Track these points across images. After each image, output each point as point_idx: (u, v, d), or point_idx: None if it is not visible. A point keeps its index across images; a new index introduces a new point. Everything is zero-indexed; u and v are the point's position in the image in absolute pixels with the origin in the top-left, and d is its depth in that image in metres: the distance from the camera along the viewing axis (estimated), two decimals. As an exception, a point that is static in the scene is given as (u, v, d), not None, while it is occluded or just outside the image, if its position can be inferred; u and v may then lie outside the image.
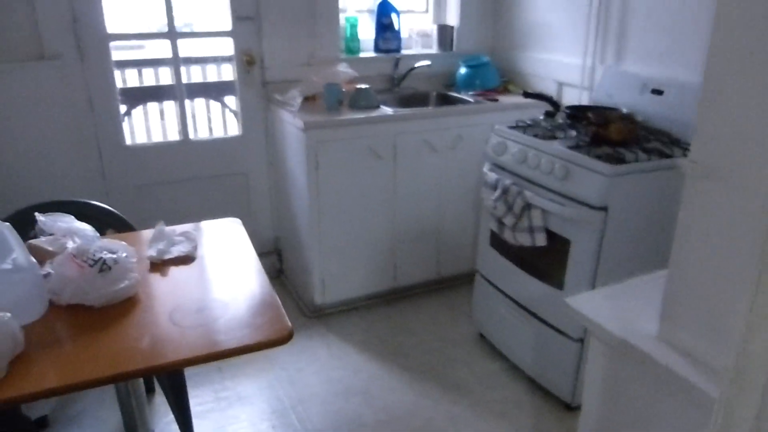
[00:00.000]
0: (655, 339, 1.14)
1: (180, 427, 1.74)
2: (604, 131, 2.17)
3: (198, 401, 2.28)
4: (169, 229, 1.72)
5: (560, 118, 2.52)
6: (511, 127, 2.43)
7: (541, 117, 2.53)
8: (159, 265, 1.56)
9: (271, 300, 1.39)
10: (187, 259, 1.60)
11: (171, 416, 2.08)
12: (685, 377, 1.02)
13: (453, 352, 2.64)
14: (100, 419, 2.15)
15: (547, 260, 2.26)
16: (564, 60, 2.96)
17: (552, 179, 2.14)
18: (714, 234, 1.00)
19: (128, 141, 2.79)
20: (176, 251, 1.62)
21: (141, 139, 2.89)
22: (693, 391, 1.00)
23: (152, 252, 1.59)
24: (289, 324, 1.28)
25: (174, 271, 1.55)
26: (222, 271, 1.57)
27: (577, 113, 2.46)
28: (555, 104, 2.61)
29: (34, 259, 1.32)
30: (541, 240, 2.20)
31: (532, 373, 2.41)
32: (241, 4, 2.77)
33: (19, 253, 1.27)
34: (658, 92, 2.39)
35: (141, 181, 2.80)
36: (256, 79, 2.90)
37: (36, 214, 1.54)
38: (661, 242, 2.19)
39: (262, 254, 3.15)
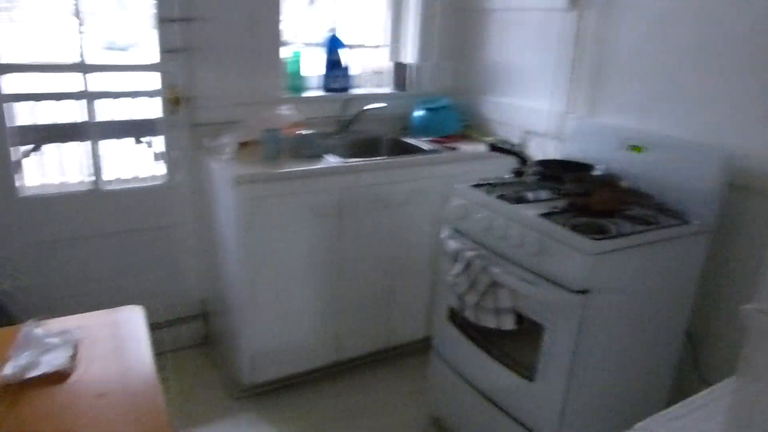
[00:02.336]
0: None
1: None
2: (585, 200, 1.88)
3: None
4: (40, 331, 1.32)
5: (529, 175, 2.24)
6: (474, 186, 2.13)
7: (508, 176, 2.24)
8: (16, 389, 1.17)
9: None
10: (59, 377, 1.21)
11: None
12: None
13: (404, 441, 2.29)
14: None
15: (515, 345, 1.95)
16: (532, 106, 2.69)
17: (523, 253, 1.83)
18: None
19: (24, 190, 2.34)
20: (46, 365, 1.22)
21: (40, 187, 2.44)
22: None
23: (9, 370, 1.18)
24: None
25: (37, 398, 1.15)
26: (106, 401, 1.18)
27: (550, 170, 2.19)
28: (524, 160, 2.32)
29: None
30: (508, 323, 1.88)
31: (497, 474, 2.07)
32: (169, 33, 2.40)
33: None
34: (637, 149, 2.13)
35: (40, 238, 2.36)
36: (185, 120, 2.51)
37: None
38: (648, 325, 1.92)
39: (185, 319, 2.78)
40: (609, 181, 2.01)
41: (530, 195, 2.03)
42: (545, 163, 2.28)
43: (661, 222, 1.86)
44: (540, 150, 2.66)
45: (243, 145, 2.43)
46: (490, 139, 2.83)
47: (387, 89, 3.10)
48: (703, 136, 2.03)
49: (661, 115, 2.17)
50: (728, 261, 2.01)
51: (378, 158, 2.48)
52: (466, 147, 2.74)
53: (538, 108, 2.65)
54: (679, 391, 2.15)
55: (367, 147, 2.84)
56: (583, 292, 1.70)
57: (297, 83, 2.80)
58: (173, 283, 2.67)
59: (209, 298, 2.76)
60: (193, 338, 2.78)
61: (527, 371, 1.89)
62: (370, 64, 3.13)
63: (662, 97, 2.16)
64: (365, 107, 2.82)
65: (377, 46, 3.19)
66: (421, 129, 2.90)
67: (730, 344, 2.03)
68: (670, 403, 2.13)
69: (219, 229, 2.44)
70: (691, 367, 2.14)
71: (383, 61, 3.17)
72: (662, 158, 2.05)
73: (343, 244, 2.42)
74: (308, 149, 2.41)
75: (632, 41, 2.25)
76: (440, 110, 2.92)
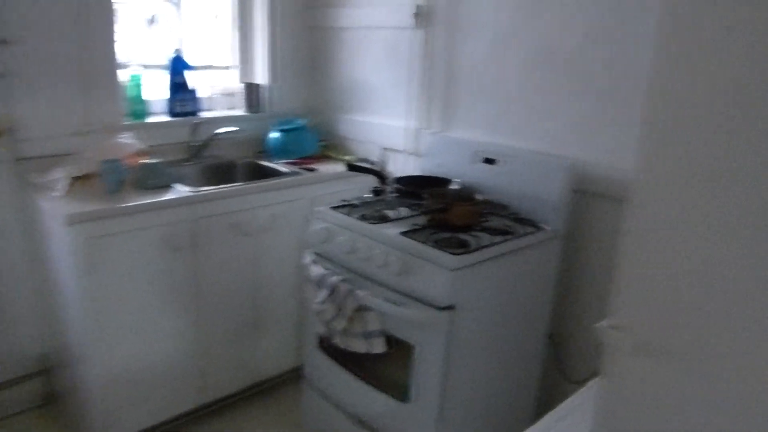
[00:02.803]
0: None
1: None
2: (444, 216, 1.88)
3: None
4: None
5: (389, 193, 2.22)
6: (335, 208, 2.07)
7: (368, 195, 2.21)
8: None
9: None
10: None
11: None
12: None
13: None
14: None
15: (388, 368, 1.90)
16: (388, 124, 2.70)
17: (387, 274, 1.80)
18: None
19: None
20: None
21: None
22: None
23: None
24: None
25: None
26: None
27: (408, 187, 2.18)
28: (382, 178, 2.30)
29: None
30: (378, 346, 1.84)
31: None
32: (-20, 58, 2.12)
33: None
34: (490, 161, 2.19)
35: None
36: (7, 155, 2.23)
37: None
38: (513, 333, 1.96)
39: (21, 378, 2.44)
40: (466, 195, 2.04)
41: (391, 213, 2.01)
42: (404, 180, 2.27)
43: (517, 231, 1.91)
44: (399, 166, 2.67)
45: (79, 179, 2.20)
46: (348, 158, 2.80)
47: (239, 111, 2.98)
48: (549, 146, 2.13)
49: (509, 128, 2.25)
50: (581, 262, 2.11)
51: (233, 184, 2.35)
52: (325, 168, 2.68)
53: (395, 125, 2.66)
54: (547, 393, 2.22)
55: (221, 173, 2.69)
56: (449, 307, 1.69)
57: (139, 108, 2.59)
58: (3, 340, 2.35)
59: (50, 352, 2.46)
60: (32, 399, 2.46)
61: (401, 392, 1.85)
62: (219, 86, 2.99)
63: (508, 110, 2.24)
64: (216, 131, 2.68)
65: (227, 67, 3.06)
66: (278, 151, 2.80)
67: (589, 342, 2.12)
68: (539, 407, 2.20)
69: (56, 274, 2.18)
70: (556, 369, 2.22)
71: (234, 83, 3.04)
72: (513, 169, 2.12)
73: (201, 278, 2.26)
74: (155, 179, 2.23)
75: (476, 59, 2.31)
76: (296, 131, 2.84)
